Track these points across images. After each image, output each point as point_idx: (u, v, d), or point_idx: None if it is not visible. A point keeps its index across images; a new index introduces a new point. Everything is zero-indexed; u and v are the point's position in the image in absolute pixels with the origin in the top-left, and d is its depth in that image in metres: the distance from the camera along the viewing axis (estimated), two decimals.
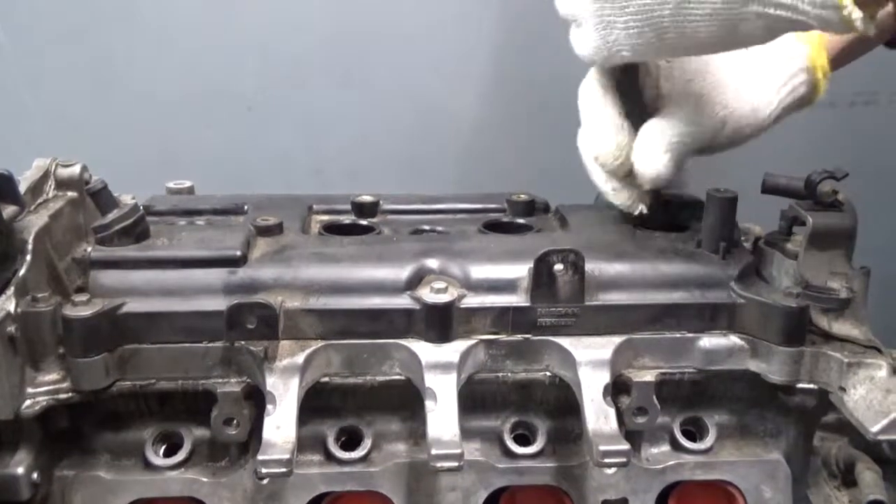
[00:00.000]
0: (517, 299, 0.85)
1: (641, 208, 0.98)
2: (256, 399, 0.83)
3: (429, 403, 0.81)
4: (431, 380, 0.82)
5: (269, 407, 0.79)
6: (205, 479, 0.85)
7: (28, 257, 0.80)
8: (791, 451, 0.92)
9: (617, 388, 0.85)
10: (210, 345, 0.83)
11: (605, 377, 0.83)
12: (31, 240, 0.81)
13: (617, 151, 0.94)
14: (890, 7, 0.76)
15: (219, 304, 0.82)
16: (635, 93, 0.97)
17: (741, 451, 0.91)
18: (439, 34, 1.62)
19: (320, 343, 0.84)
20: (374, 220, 1.07)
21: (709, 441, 0.90)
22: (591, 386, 0.83)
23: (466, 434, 0.81)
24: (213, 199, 1.07)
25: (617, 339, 0.86)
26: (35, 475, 0.80)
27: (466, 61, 1.63)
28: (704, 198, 0.92)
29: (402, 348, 0.84)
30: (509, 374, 0.87)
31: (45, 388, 0.80)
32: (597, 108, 0.95)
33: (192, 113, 1.61)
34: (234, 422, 0.83)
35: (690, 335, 0.87)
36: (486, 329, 0.85)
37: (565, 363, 0.85)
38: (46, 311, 0.79)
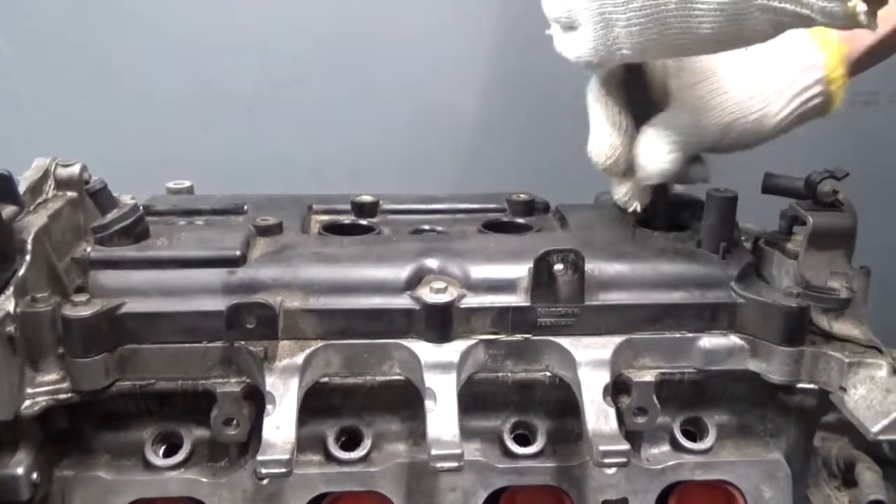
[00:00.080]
0: (517, 299, 0.85)
1: (636, 206, 0.98)
2: (256, 399, 0.83)
3: (429, 403, 0.81)
4: (431, 380, 0.82)
5: (268, 407, 0.79)
6: (204, 480, 0.85)
7: (27, 257, 0.80)
8: (791, 451, 0.92)
9: (617, 388, 0.85)
10: (210, 345, 0.83)
11: (605, 377, 0.83)
12: (30, 240, 0.81)
13: (609, 151, 0.94)
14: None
15: (218, 304, 0.82)
16: (642, 92, 0.97)
17: (741, 451, 0.91)
18: (439, 34, 1.62)
19: (320, 343, 0.84)
20: (374, 219, 1.07)
21: (709, 441, 0.90)
22: (591, 386, 0.83)
23: (466, 434, 0.81)
24: (213, 199, 1.07)
25: (617, 339, 0.85)
26: (35, 475, 0.80)
27: (466, 61, 1.63)
28: (704, 197, 0.92)
29: (401, 348, 0.84)
30: (509, 374, 0.87)
31: (44, 389, 0.80)
32: (594, 107, 0.96)
33: (191, 113, 1.61)
34: (234, 422, 0.83)
35: (690, 335, 0.87)
36: (486, 329, 0.85)
37: (565, 363, 0.85)
38: (46, 312, 0.79)
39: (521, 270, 0.86)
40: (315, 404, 0.85)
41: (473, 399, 0.87)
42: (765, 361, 0.86)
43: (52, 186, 0.91)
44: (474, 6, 1.61)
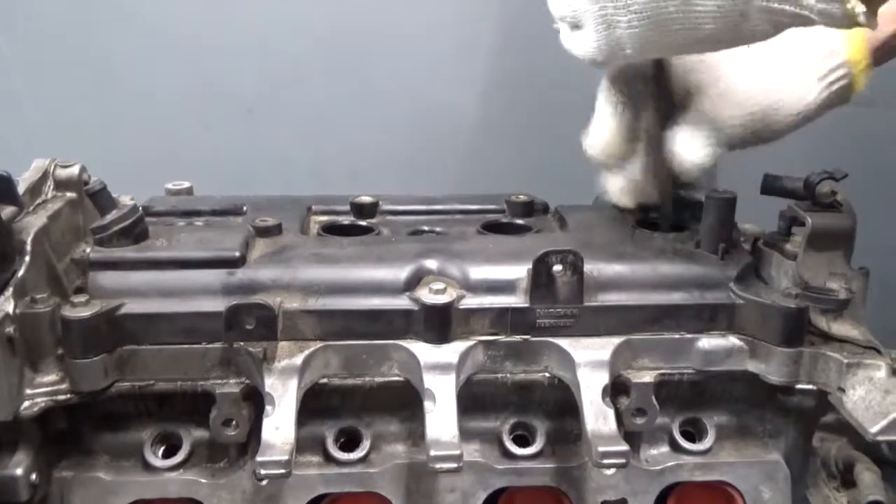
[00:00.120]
0: (516, 300, 0.85)
1: (627, 202, 0.99)
2: (255, 400, 0.83)
3: (428, 404, 0.81)
4: (430, 381, 0.82)
5: (267, 408, 0.79)
6: (203, 480, 0.85)
7: (27, 258, 0.80)
8: (790, 452, 0.92)
9: (616, 389, 0.85)
10: (209, 346, 0.83)
11: (604, 378, 0.83)
12: (29, 241, 0.81)
13: (605, 144, 0.95)
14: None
15: (217, 305, 0.82)
16: (665, 88, 0.96)
17: (740, 451, 0.91)
18: (439, 34, 1.62)
19: (319, 344, 0.84)
20: (373, 220, 1.07)
21: (708, 442, 0.90)
22: (590, 387, 0.83)
23: (465, 435, 0.81)
24: (212, 200, 1.07)
25: (616, 340, 0.86)
26: (34, 476, 0.80)
27: (466, 61, 1.63)
28: (703, 199, 0.92)
29: (400, 349, 0.84)
30: (508, 375, 0.87)
31: (43, 390, 0.80)
32: (598, 100, 0.96)
33: (191, 113, 1.62)
34: (233, 423, 0.83)
35: (689, 336, 0.87)
36: (485, 330, 0.85)
37: (564, 364, 0.85)
38: (45, 312, 0.79)
39: (520, 271, 0.86)
40: (314, 405, 0.85)
41: (472, 400, 0.87)
42: (764, 362, 0.86)
43: (52, 187, 0.91)
44: (474, 6, 1.61)
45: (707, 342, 0.87)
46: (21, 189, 0.85)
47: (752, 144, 0.98)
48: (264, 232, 0.93)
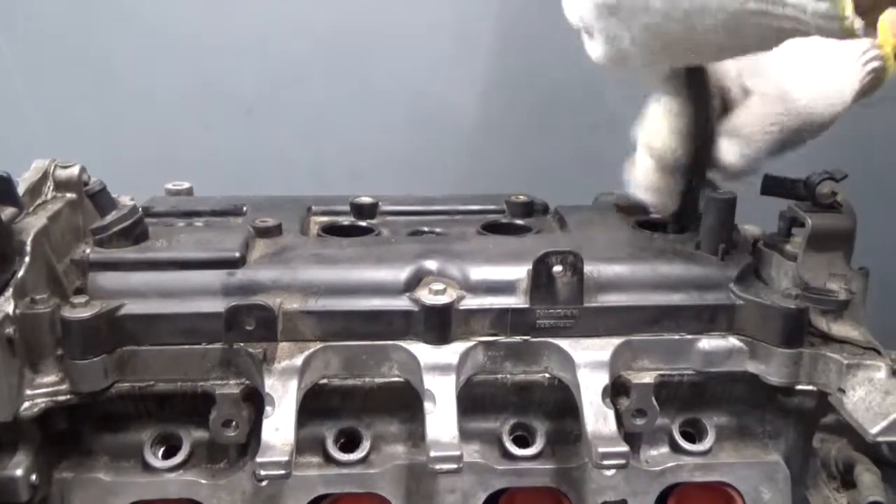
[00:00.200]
0: (516, 301, 0.85)
1: (661, 205, 0.98)
2: (255, 401, 0.83)
3: (428, 405, 0.81)
4: (430, 381, 0.82)
5: (267, 409, 0.79)
6: (203, 481, 0.85)
7: (27, 259, 0.80)
8: (790, 453, 0.92)
9: (616, 390, 0.85)
10: (209, 346, 0.83)
11: (603, 379, 0.83)
12: (29, 241, 0.81)
13: (669, 139, 0.94)
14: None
15: (217, 305, 0.82)
16: (706, 88, 0.96)
17: (740, 452, 0.91)
18: (439, 34, 1.62)
19: (319, 345, 0.84)
20: (373, 221, 1.07)
21: (708, 443, 0.90)
22: (590, 387, 0.83)
23: (465, 436, 0.81)
24: (212, 201, 1.07)
25: (616, 341, 0.86)
26: (34, 477, 0.80)
27: (466, 62, 1.63)
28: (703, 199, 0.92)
29: (400, 350, 0.84)
30: (508, 376, 0.87)
31: (43, 390, 0.80)
32: (659, 99, 0.96)
33: (191, 114, 1.61)
34: (233, 423, 0.83)
35: (689, 337, 0.87)
36: (485, 330, 0.85)
37: (564, 365, 0.85)
38: (45, 313, 0.79)
39: (520, 272, 0.86)
40: (314, 406, 0.85)
41: (472, 401, 0.87)
42: (764, 363, 0.86)
43: (52, 188, 0.91)
44: (474, 6, 1.61)
45: (707, 343, 0.87)
46: (21, 190, 0.85)
47: (792, 146, 0.97)
48: (264, 232, 0.94)
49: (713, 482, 0.90)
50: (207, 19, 1.58)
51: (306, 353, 0.83)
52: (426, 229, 1.05)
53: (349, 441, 0.88)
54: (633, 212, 1.02)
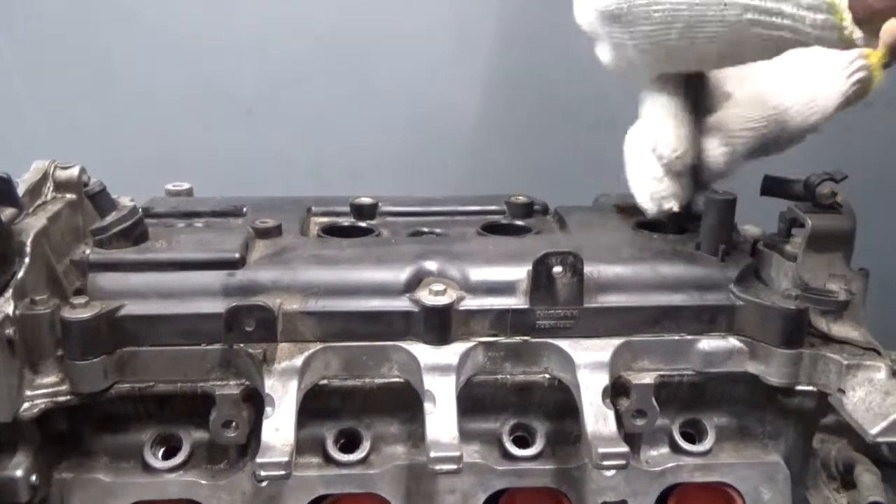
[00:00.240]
0: (516, 301, 0.85)
1: (674, 205, 0.96)
2: (255, 401, 0.83)
3: (428, 406, 0.81)
4: (430, 382, 0.82)
5: (267, 409, 0.79)
6: (203, 482, 0.85)
7: (26, 259, 0.80)
8: (790, 453, 0.92)
9: (616, 391, 0.85)
10: (209, 347, 0.83)
11: (603, 379, 0.83)
12: (29, 242, 0.81)
13: (676, 143, 0.93)
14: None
15: (217, 306, 0.82)
16: (700, 90, 0.96)
17: (740, 453, 0.91)
18: (439, 34, 1.62)
19: (319, 345, 0.84)
20: (373, 221, 1.07)
21: (708, 443, 0.90)
22: (590, 388, 0.82)
23: (465, 436, 0.81)
24: (212, 202, 1.07)
25: (616, 342, 0.85)
26: (33, 477, 0.80)
27: (466, 62, 1.63)
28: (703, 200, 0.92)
29: (400, 350, 0.84)
30: (508, 377, 0.87)
31: (43, 391, 0.80)
32: (658, 101, 0.95)
33: (191, 114, 1.62)
34: (233, 424, 0.83)
35: (689, 337, 0.87)
36: (485, 331, 0.85)
37: (564, 365, 0.85)
38: (45, 314, 0.79)
39: (519, 273, 0.86)
40: (314, 406, 0.85)
41: (472, 401, 0.87)
42: (764, 363, 0.86)
43: (51, 188, 0.91)
44: (474, 6, 1.61)
45: (707, 343, 0.87)
46: (21, 190, 0.85)
47: (773, 150, 0.97)
48: (264, 233, 0.93)
49: (713, 482, 0.90)
50: (207, 19, 1.59)
51: (306, 353, 0.83)
52: (426, 230, 1.05)
53: (349, 441, 0.88)
54: (633, 212, 1.02)
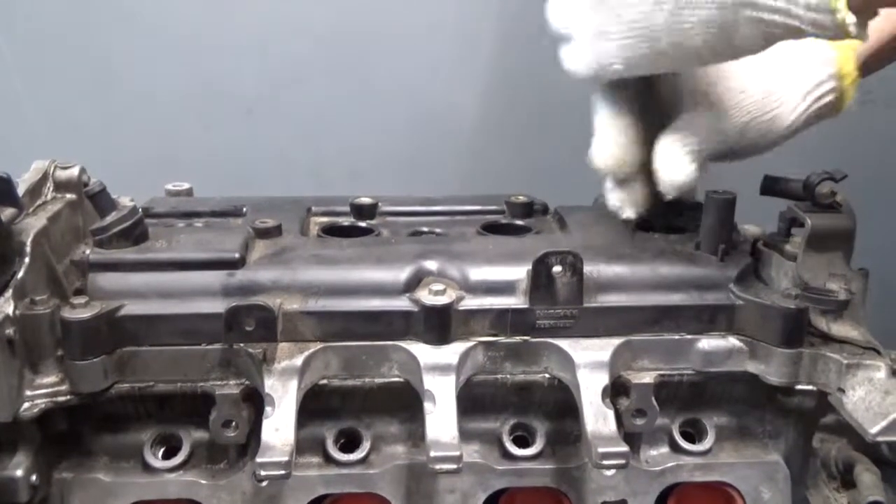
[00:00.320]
0: (516, 301, 0.85)
1: (630, 213, 0.97)
2: (255, 401, 0.83)
3: (427, 405, 0.81)
4: (430, 382, 0.82)
5: (267, 409, 0.79)
6: (203, 482, 0.85)
7: (26, 260, 0.80)
8: (790, 453, 0.92)
9: (616, 390, 0.85)
10: (209, 347, 0.83)
11: (603, 379, 0.83)
12: (29, 242, 0.81)
13: (613, 154, 0.94)
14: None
15: (217, 306, 0.82)
16: (652, 100, 0.96)
17: (740, 452, 0.91)
18: (439, 34, 1.62)
19: (319, 345, 0.84)
20: (373, 221, 1.07)
21: (708, 443, 0.90)
22: (590, 388, 0.83)
23: (465, 436, 0.81)
24: (212, 202, 1.07)
25: (616, 341, 0.85)
26: (34, 477, 0.80)
27: (466, 62, 1.63)
28: (703, 199, 0.92)
29: (400, 350, 0.84)
30: (508, 376, 0.87)
31: (43, 391, 0.80)
32: (600, 111, 0.96)
33: (191, 114, 1.62)
34: (233, 424, 0.83)
35: (689, 337, 0.87)
36: (485, 331, 0.85)
37: (564, 365, 0.85)
38: (45, 314, 0.79)
39: (519, 272, 0.86)
40: (314, 406, 0.85)
41: (472, 401, 0.87)
42: (763, 363, 0.86)
43: (51, 189, 0.91)
44: (474, 6, 1.61)
45: (707, 343, 0.87)
46: (21, 190, 0.85)
47: (730, 159, 0.98)
48: (264, 233, 0.94)
49: (713, 482, 0.90)
50: (207, 19, 1.59)
51: (306, 353, 0.83)
52: (426, 230, 1.05)
53: (349, 441, 0.88)
54: None
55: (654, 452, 0.91)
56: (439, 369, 0.83)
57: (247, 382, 0.83)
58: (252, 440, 0.84)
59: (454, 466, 0.77)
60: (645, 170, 0.96)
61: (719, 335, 0.87)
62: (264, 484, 0.84)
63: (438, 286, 0.84)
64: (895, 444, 0.88)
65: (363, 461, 0.87)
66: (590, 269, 0.86)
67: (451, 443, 0.78)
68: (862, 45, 0.93)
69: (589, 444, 0.79)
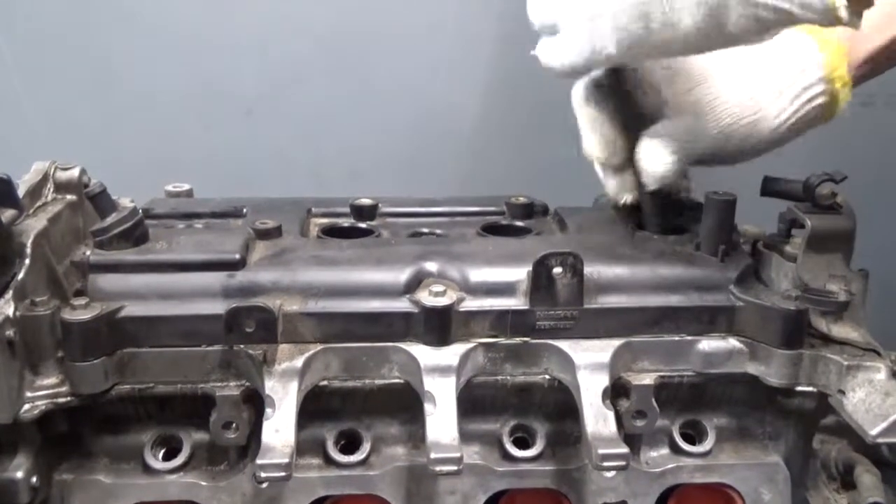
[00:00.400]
0: (516, 302, 0.85)
1: (627, 198, 1.00)
2: (255, 403, 0.83)
3: (428, 407, 0.81)
4: (430, 383, 0.82)
5: (268, 410, 0.79)
6: (204, 483, 0.85)
7: (27, 261, 0.80)
8: (790, 454, 0.92)
9: (616, 392, 0.85)
10: (209, 348, 0.83)
11: (603, 380, 0.83)
12: (29, 243, 0.81)
13: (604, 145, 0.96)
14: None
15: (217, 307, 0.82)
16: (636, 102, 0.96)
17: (740, 453, 0.91)
18: (439, 34, 1.62)
19: (319, 346, 0.84)
20: (373, 223, 1.07)
21: (708, 444, 0.90)
22: (590, 389, 0.82)
23: (465, 437, 0.81)
24: (212, 203, 1.07)
25: (616, 342, 0.85)
26: (34, 479, 0.80)
27: (466, 62, 1.63)
28: (703, 200, 0.92)
29: (400, 352, 0.84)
30: (508, 378, 0.87)
31: (43, 392, 0.79)
32: (584, 109, 0.98)
33: (191, 114, 1.61)
34: (233, 425, 0.83)
35: (689, 338, 0.87)
36: (485, 332, 0.85)
37: (564, 366, 0.85)
38: (45, 315, 0.79)
39: (519, 274, 0.86)
40: (314, 408, 0.85)
41: (472, 402, 0.87)
42: (764, 364, 0.86)
43: (52, 190, 0.91)
44: (474, 6, 1.61)
45: (707, 344, 0.87)
46: (21, 192, 0.85)
47: (721, 163, 0.98)
48: (264, 234, 0.93)
49: (713, 483, 0.90)
50: (207, 19, 1.58)
51: (306, 354, 0.83)
52: (426, 231, 1.05)
53: (349, 443, 0.88)
54: (632, 213, 1.02)
55: (654, 454, 0.91)
56: (439, 371, 0.83)
57: (247, 384, 0.83)
58: (252, 442, 0.84)
59: (454, 468, 0.77)
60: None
61: (719, 336, 0.87)
62: (264, 485, 0.84)
63: (439, 287, 0.84)
64: (895, 446, 0.88)
65: (363, 463, 0.86)
66: (590, 270, 0.86)
67: (452, 444, 0.78)
68: (865, 45, 0.93)
69: (589, 445, 0.79)
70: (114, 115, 1.60)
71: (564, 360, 0.85)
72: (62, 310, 0.80)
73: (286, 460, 0.76)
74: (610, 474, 0.88)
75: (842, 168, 0.91)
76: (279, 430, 0.78)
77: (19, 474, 0.79)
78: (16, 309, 0.77)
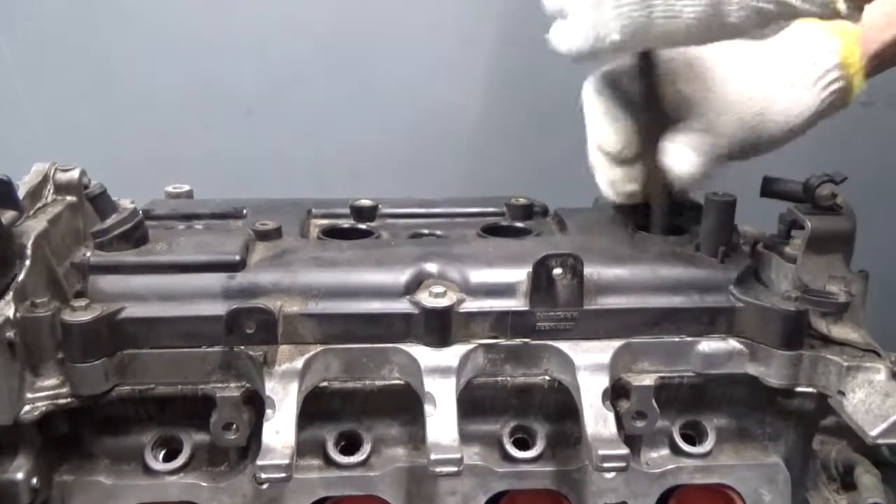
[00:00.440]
0: (516, 303, 0.85)
1: (632, 188, 0.99)
2: (256, 404, 0.83)
3: (428, 408, 0.81)
4: (431, 384, 0.82)
5: (268, 412, 0.79)
6: (204, 484, 0.85)
7: (27, 262, 0.80)
8: (790, 455, 0.92)
9: (616, 392, 0.85)
10: (209, 349, 0.83)
11: (604, 381, 0.83)
12: (29, 245, 0.81)
13: (615, 136, 0.95)
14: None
15: (218, 308, 0.82)
16: (654, 91, 0.96)
17: (740, 454, 0.91)
18: (439, 34, 1.62)
19: (319, 348, 0.84)
20: (373, 223, 1.07)
21: (708, 445, 0.90)
22: (591, 390, 0.83)
23: (466, 438, 0.81)
24: (212, 204, 1.07)
25: (616, 343, 0.86)
26: (34, 480, 0.80)
27: (466, 62, 1.63)
28: (703, 201, 0.92)
29: (401, 353, 0.84)
30: (508, 379, 0.87)
31: (44, 394, 0.80)
32: (594, 101, 0.97)
33: (191, 114, 1.61)
34: (234, 426, 0.83)
35: (689, 339, 0.87)
36: (485, 333, 0.85)
37: (564, 367, 0.85)
38: (45, 317, 0.79)
39: (520, 274, 0.86)
40: (314, 409, 0.85)
41: (473, 403, 0.87)
42: (763, 365, 0.86)
43: (52, 191, 0.91)
44: (474, 6, 1.61)
45: (707, 345, 0.87)
46: (21, 193, 0.85)
47: (748, 156, 0.98)
48: (264, 235, 0.94)
49: (713, 484, 0.91)
50: (207, 19, 1.58)
51: (307, 355, 0.83)
52: (426, 232, 1.05)
53: (350, 444, 0.88)
54: (632, 214, 1.02)
55: (654, 454, 0.91)
56: (440, 372, 0.83)
57: (247, 385, 0.83)
58: (253, 443, 0.84)
59: (455, 469, 0.77)
60: (646, 154, 0.97)
61: (719, 337, 0.87)
62: (265, 486, 0.84)
63: (439, 288, 0.84)
64: (895, 447, 0.88)
65: (364, 463, 0.87)
66: (590, 271, 0.86)
67: (452, 445, 0.78)
68: (874, 41, 0.93)
69: (589, 446, 0.79)
70: (114, 115, 1.60)
71: (564, 361, 0.85)
72: (62, 311, 0.80)
73: (286, 461, 0.76)
74: (610, 475, 0.88)
75: (842, 168, 0.91)
76: (279, 431, 0.78)
77: (20, 475, 0.79)
78: (16, 310, 0.77)
